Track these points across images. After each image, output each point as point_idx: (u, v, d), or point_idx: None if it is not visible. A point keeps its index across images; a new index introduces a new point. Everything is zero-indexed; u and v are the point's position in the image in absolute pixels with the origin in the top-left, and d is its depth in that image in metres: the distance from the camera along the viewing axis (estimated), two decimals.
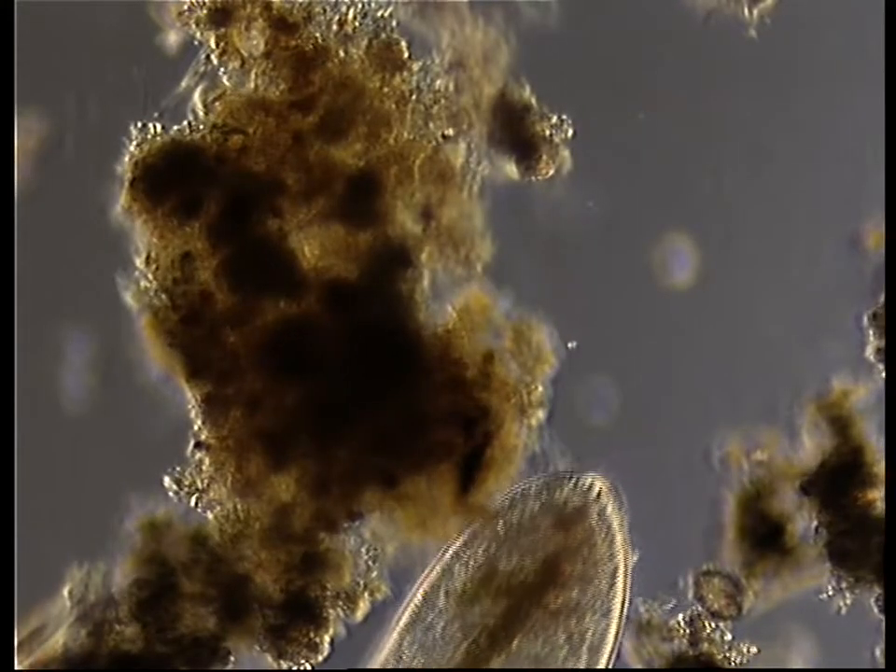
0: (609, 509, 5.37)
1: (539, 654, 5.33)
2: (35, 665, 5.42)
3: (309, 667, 5.45)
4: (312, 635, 5.43)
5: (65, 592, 5.43)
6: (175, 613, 5.41)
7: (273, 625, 5.43)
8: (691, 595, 5.46)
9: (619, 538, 5.36)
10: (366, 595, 5.45)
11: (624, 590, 5.37)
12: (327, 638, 5.45)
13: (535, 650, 5.33)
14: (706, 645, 5.44)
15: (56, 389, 5.43)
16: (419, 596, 5.39)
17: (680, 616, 5.47)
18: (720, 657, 5.44)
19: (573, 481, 5.38)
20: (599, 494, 5.36)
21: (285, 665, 5.45)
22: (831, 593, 5.43)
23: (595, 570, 5.36)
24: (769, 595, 5.43)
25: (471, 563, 5.38)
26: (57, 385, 5.43)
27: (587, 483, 5.37)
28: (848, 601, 5.43)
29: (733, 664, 5.44)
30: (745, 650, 5.45)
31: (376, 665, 5.40)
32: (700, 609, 5.45)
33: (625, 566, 5.35)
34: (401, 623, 5.39)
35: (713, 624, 5.45)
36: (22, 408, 5.31)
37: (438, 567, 5.39)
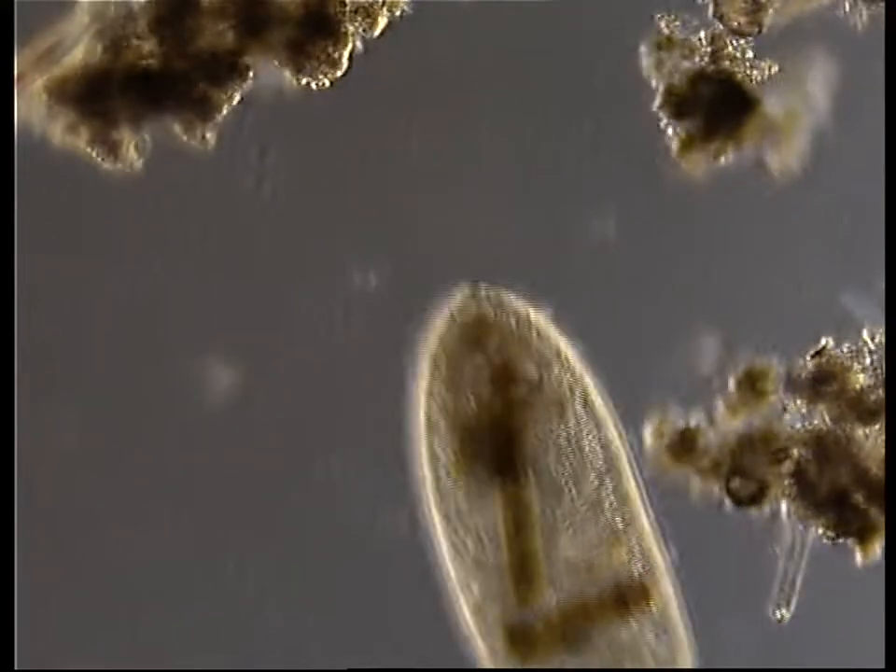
0: None
1: None
2: (52, 82, 5.39)
3: (328, 83, 5.42)
4: (330, 49, 5.39)
5: (83, 4, 5.39)
6: (195, 28, 5.38)
7: (291, 40, 5.39)
8: (710, 12, 5.40)
9: None
10: (384, 10, 5.41)
11: None
12: (345, 54, 5.41)
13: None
14: (727, 62, 5.39)
15: None
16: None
17: (701, 33, 5.41)
18: (740, 75, 5.39)
19: None
20: None
21: (304, 81, 5.41)
22: (847, 8, 5.38)
23: None
24: (789, 6, 5.37)
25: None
26: None
27: None
28: (865, 18, 5.37)
29: (753, 81, 5.39)
30: (766, 67, 5.40)
31: None
32: (720, 27, 5.40)
33: None
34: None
35: (734, 42, 5.39)
36: None
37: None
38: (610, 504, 5.43)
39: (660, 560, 5.44)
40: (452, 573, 5.42)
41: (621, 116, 5.42)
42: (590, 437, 5.42)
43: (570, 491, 5.42)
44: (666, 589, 5.45)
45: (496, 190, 5.49)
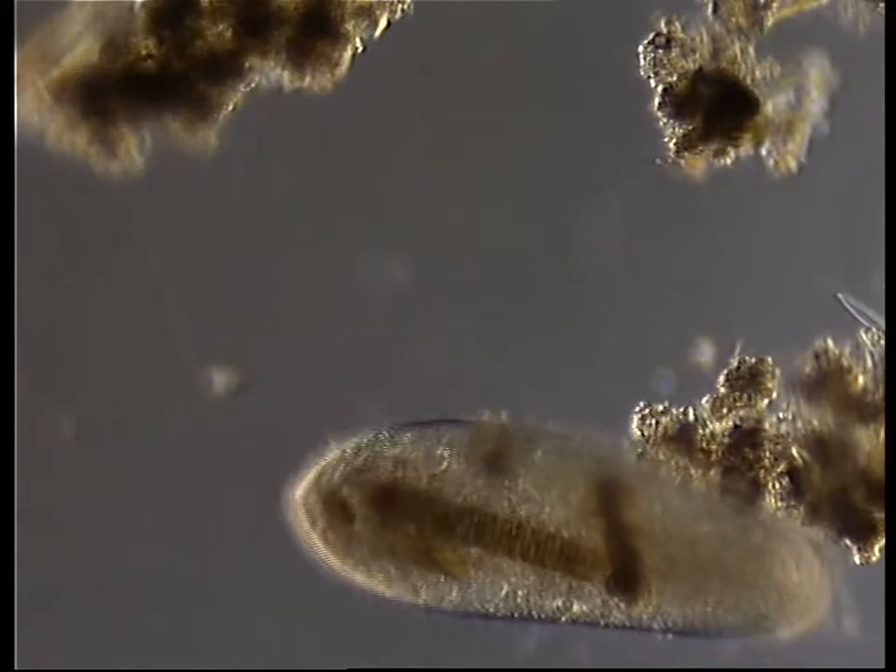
0: None
1: None
2: (52, 82, 5.39)
3: (328, 84, 5.42)
4: (330, 50, 5.39)
5: (84, 3, 5.39)
6: (194, 28, 5.37)
7: (291, 40, 5.39)
8: (710, 11, 5.40)
9: None
10: (384, 10, 5.41)
11: None
12: (345, 54, 5.41)
13: None
14: (726, 62, 5.39)
15: None
16: None
17: (701, 33, 5.41)
18: (740, 75, 5.39)
19: None
20: None
21: (304, 82, 5.41)
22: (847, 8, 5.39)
23: None
24: (789, 6, 5.37)
25: None
26: None
27: None
28: (864, 18, 5.38)
29: (753, 81, 5.39)
30: (766, 67, 5.40)
31: None
32: (720, 26, 5.39)
33: None
34: None
35: (734, 41, 5.39)
36: None
37: None
38: None
39: None
40: None
41: (620, 116, 5.41)
42: None
43: None
44: None
45: (495, 191, 5.49)
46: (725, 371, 5.46)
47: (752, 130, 5.41)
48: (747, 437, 5.45)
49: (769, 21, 5.40)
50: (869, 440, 5.42)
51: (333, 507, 5.40)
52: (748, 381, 5.45)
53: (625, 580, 5.45)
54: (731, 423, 5.45)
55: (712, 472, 5.44)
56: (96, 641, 5.52)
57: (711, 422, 5.46)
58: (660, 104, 5.38)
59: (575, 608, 5.46)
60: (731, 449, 5.44)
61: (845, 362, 5.43)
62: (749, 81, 5.40)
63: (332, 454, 5.43)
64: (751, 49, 5.41)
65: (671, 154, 5.40)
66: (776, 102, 5.42)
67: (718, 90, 5.39)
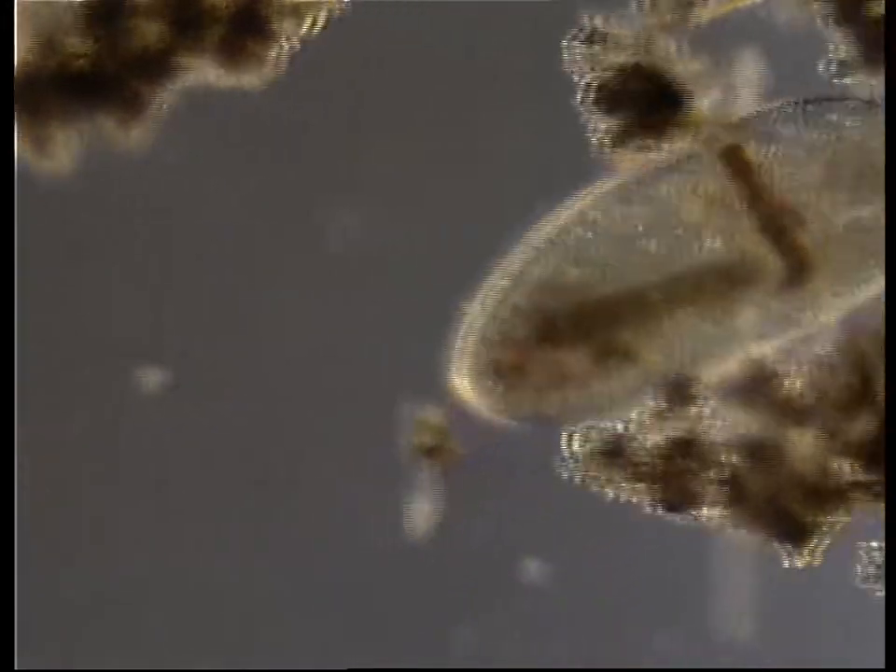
0: None
1: None
2: None
3: (261, 82, 5.44)
4: (261, 49, 5.41)
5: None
6: (127, 27, 5.41)
7: (223, 39, 5.41)
8: (640, 7, 5.37)
9: None
10: (317, 9, 5.43)
11: None
12: (278, 53, 5.44)
13: None
14: (656, 58, 5.35)
15: None
16: None
17: (632, 28, 5.38)
18: (671, 70, 5.35)
19: None
20: None
21: (236, 80, 5.44)
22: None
23: None
24: (721, 2, 5.33)
25: None
26: None
27: None
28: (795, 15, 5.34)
29: (684, 77, 5.36)
30: (696, 63, 5.36)
31: None
32: (650, 21, 5.37)
33: None
34: None
35: (665, 37, 5.36)
36: None
37: None
38: None
39: None
40: None
41: (549, 113, 5.39)
42: None
43: None
44: None
45: (431, 189, 5.49)
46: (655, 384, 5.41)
47: (682, 126, 5.36)
48: (680, 447, 5.38)
49: (701, 18, 5.36)
50: (803, 443, 5.34)
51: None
52: (676, 391, 5.39)
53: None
54: (663, 434, 5.39)
55: (646, 485, 5.38)
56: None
57: (645, 434, 5.39)
58: (587, 99, 5.34)
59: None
60: (664, 460, 5.37)
61: (777, 367, 5.36)
62: (679, 78, 5.36)
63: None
64: (682, 46, 5.37)
65: (599, 150, 5.37)
66: (706, 98, 5.37)
67: (647, 86, 5.35)
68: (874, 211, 5.31)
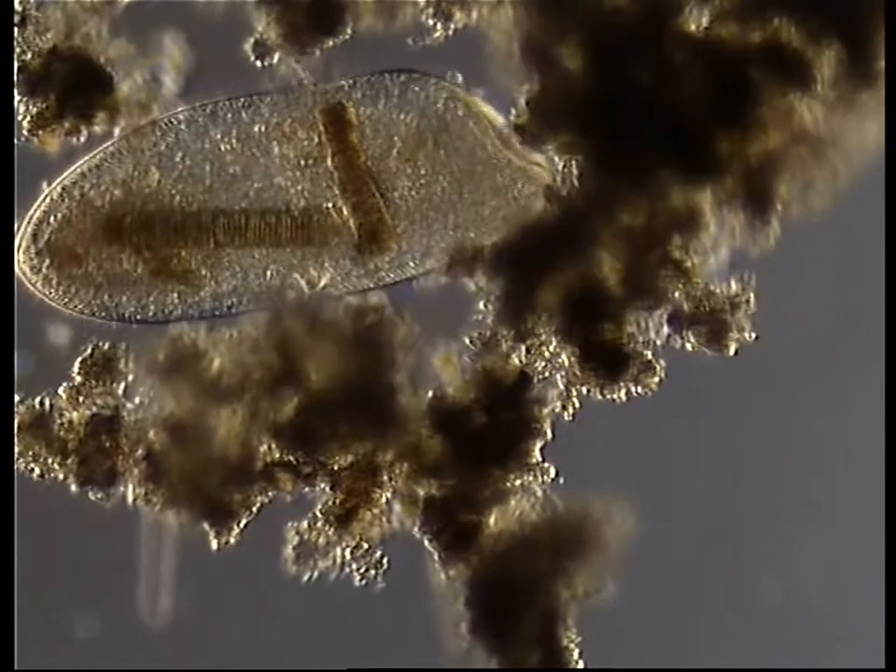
0: None
1: None
2: None
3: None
4: None
5: None
6: None
7: None
8: None
9: None
10: None
11: None
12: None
13: None
14: (81, 40, 5.38)
15: None
16: None
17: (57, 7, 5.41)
18: (94, 52, 5.38)
19: None
20: None
21: None
22: None
23: None
24: None
25: None
26: None
27: None
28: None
29: (106, 59, 5.38)
30: (120, 46, 5.40)
31: None
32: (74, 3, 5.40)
33: None
34: None
35: (88, 20, 5.40)
36: None
37: None
38: None
39: None
40: None
41: None
42: None
43: None
44: None
45: None
46: (80, 359, 5.43)
47: (106, 108, 5.40)
48: (104, 424, 5.40)
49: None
50: (225, 423, 5.37)
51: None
52: (102, 367, 5.42)
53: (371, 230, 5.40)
54: (88, 411, 5.41)
55: (70, 461, 5.40)
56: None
57: (69, 410, 5.41)
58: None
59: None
60: (89, 437, 5.39)
61: (200, 345, 5.40)
62: (102, 60, 5.40)
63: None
64: (105, 29, 5.41)
65: (25, 132, 5.40)
66: (131, 80, 5.41)
67: (71, 68, 5.39)
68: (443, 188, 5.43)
